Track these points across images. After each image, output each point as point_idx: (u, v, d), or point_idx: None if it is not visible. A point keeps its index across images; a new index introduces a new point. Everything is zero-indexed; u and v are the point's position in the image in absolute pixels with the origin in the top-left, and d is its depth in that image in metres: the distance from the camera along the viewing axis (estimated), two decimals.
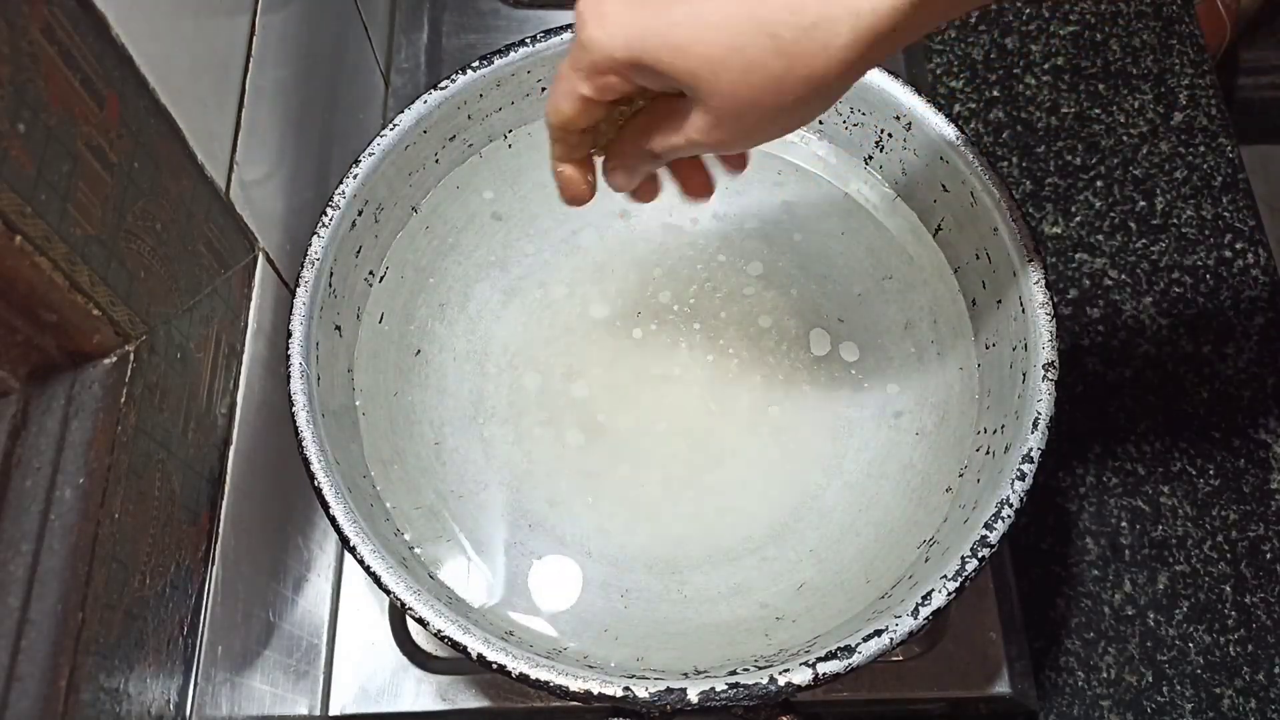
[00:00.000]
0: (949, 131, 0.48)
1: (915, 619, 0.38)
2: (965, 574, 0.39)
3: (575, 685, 0.38)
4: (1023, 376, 0.44)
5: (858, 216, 0.52)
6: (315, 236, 0.46)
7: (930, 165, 0.49)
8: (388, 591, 0.39)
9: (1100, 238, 0.66)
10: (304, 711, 0.49)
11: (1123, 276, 0.65)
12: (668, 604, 0.45)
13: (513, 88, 0.51)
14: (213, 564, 0.40)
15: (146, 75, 0.34)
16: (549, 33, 0.50)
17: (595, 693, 0.37)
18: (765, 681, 0.37)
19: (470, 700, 0.50)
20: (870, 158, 0.52)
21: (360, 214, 0.48)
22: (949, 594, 0.39)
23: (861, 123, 0.51)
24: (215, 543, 0.40)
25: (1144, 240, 0.66)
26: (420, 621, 0.39)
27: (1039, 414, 0.42)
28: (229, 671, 0.41)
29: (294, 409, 0.42)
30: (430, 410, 0.48)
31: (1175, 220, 0.66)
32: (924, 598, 0.39)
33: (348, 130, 0.58)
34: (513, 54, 0.50)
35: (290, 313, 0.44)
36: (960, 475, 0.46)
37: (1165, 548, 0.58)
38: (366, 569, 0.40)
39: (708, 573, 0.46)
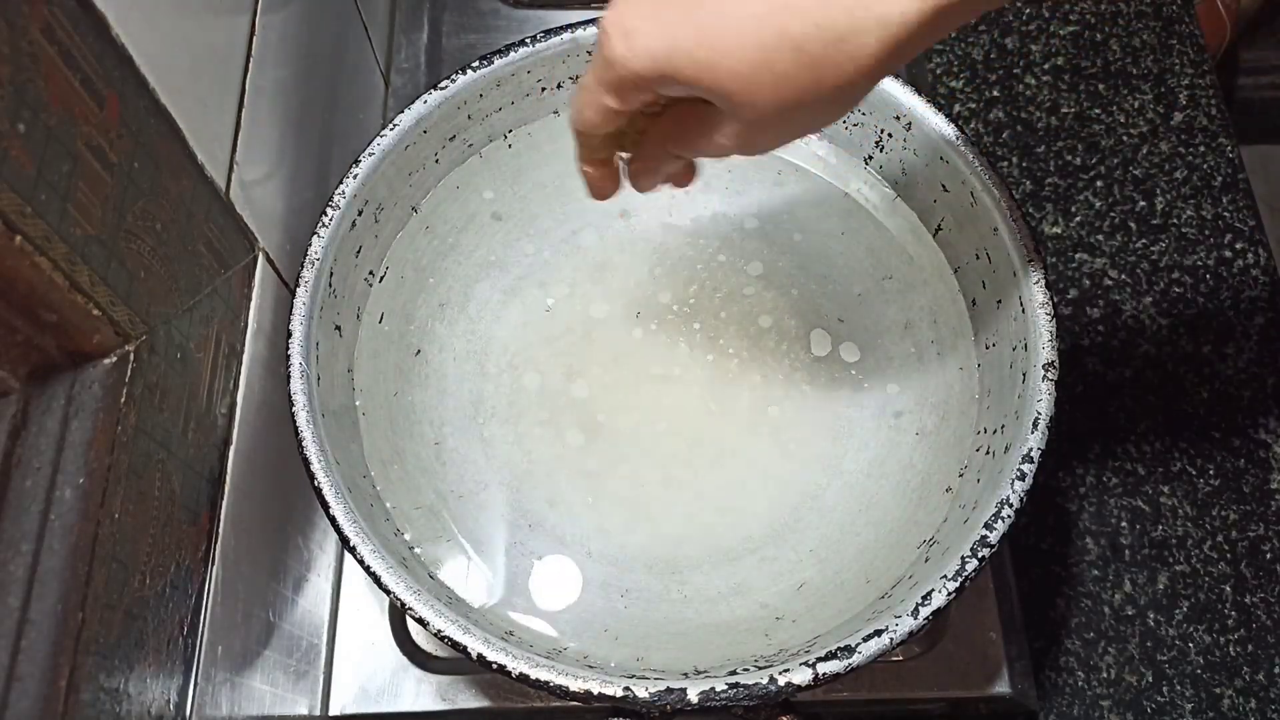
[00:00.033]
0: (949, 131, 0.48)
1: (915, 619, 0.38)
2: (965, 574, 0.39)
3: (575, 685, 0.38)
4: (1023, 376, 0.44)
5: (858, 216, 0.52)
6: (315, 236, 0.46)
7: (930, 165, 0.49)
8: (388, 591, 0.39)
9: (1100, 238, 0.66)
10: (304, 711, 0.49)
11: (1123, 276, 0.65)
12: (668, 604, 0.45)
13: (513, 88, 0.51)
14: (213, 564, 0.40)
15: (146, 75, 0.34)
16: (549, 33, 0.50)
17: (595, 693, 0.37)
18: (765, 681, 0.37)
19: (470, 700, 0.50)
20: (870, 158, 0.52)
21: (360, 214, 0.48)
22: (949, 594, 0.39)
23: (861, 123, 0.51)
24: (215, 543, 0.40)
25: (1144, 240, 0.66)
26: (420, 621, 0.39)
27: (1039, 414, 0.42)
28: (229, 671, 0.41)
29: (294, 409, 0.42)
30: (430, 410, 0.48)
31: (1175, 220, 0.66)
32: (924, 598, 0.39)
33: (348, 130, 0.58)
34: (513, 54, 0.50)
35: (290, 313, 0.44)
36: (960, 475, 0.46)
37: (1165, 548, 0.58)
38: (366, 569, 0.40)
39: (708, 573, 0.46)
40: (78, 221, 0.30)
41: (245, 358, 0.43)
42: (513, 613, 0.44)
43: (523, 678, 0.38)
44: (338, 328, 0.47)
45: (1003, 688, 0.51)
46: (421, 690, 0.50)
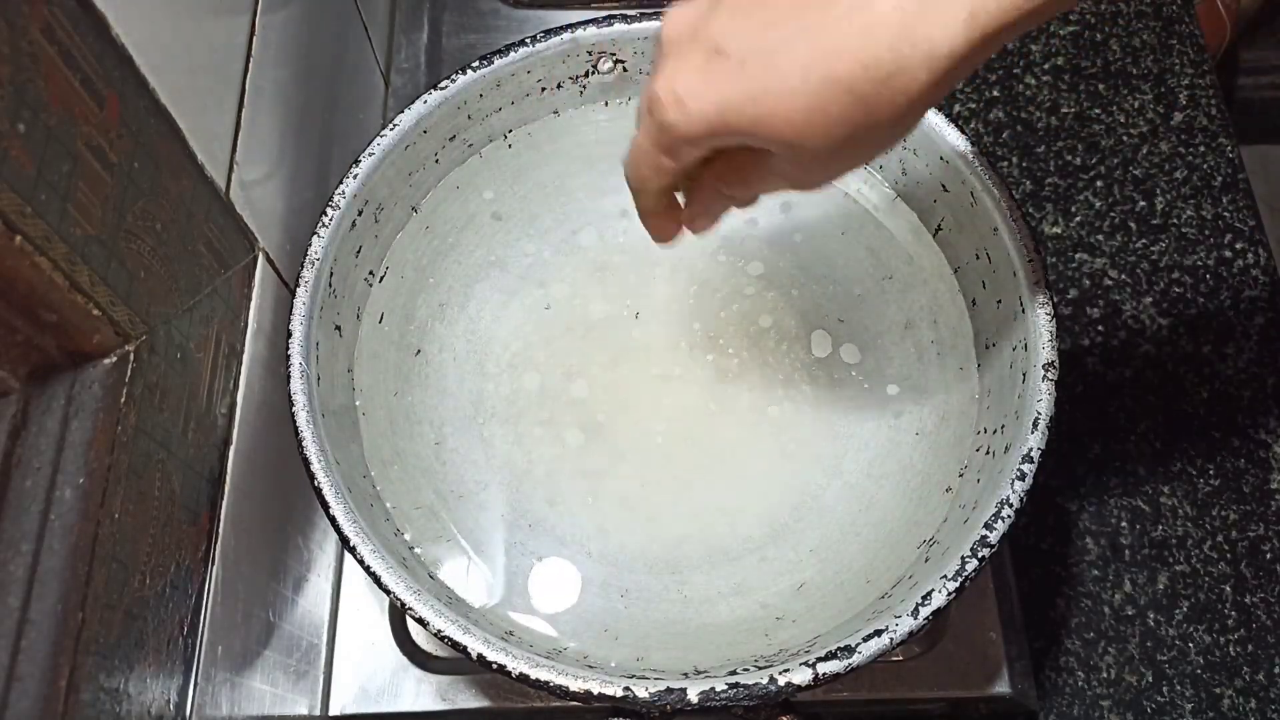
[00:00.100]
0: (949, 132, 0.48)
1: (915, 619, 0.38)
2: (965, 574, 0.39)
3: (575, 685, 0.38)
4: (1023, 376, 0.44)
5: (858, 216, 0.52)
6: (315, 236, 0.46)
7: (930, 165, 0.49)
8: (388, 591, 0.39)
9: (1100, 238, 0.66)
10: (304, 711, 0.49)
11: (1123, 276, 0.65)
12: (668, 604, 0.45)
13: (513, 88, 0.51)
14: (213, 564, 0.40)
15: (146, 75, 0.34)
16: (549, 33, 0.50)
17: (595, 693, 0.37)
18: (765, 681, 0.37)
19: (470, 700, 0.50)
20: None
21: (360, 214, 0.48)
22: (949, 594, 0.39)
23: None
24: (215, 543, 0.40)
25: (1144, 240, 0.66)
26: (420, 621, 0.39)
27: (1039, 414, 0.42)
28: (229, 671, 0.41)
29: (294, 409, 0.42)
30: (430, 410, 0.48)
31: (1175, 220, 0.66)
32: (924, 598, 0.39)
33: (348, 130, 0.58)
34: (513, 54, 0.50)
35: (290, 313, 0.44)
36: (960, 475, 0.46)
37: (1165, 548, 0.58)
38: (366, 569, 0.40)
39: (708, 573, 0.46)
40: (78, 221, 0.30)
41: (245, 358, 0.43)
42: (512, 613, 0.44)
43: (523, 678, 0.38)
44: (338, 328, 0.47)
45: (1003, 688, 0.51)
46: (421, 690, 0.50)
